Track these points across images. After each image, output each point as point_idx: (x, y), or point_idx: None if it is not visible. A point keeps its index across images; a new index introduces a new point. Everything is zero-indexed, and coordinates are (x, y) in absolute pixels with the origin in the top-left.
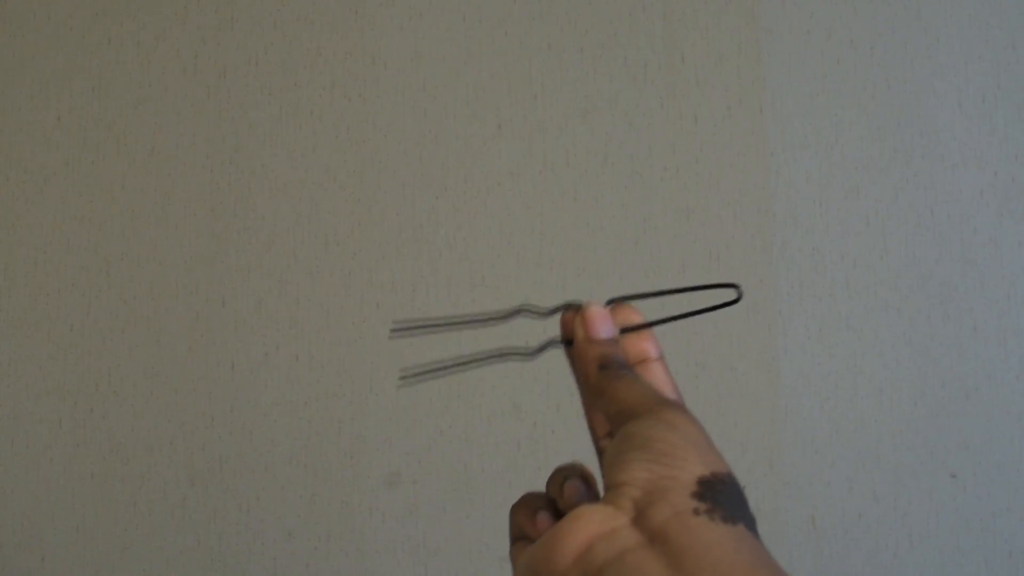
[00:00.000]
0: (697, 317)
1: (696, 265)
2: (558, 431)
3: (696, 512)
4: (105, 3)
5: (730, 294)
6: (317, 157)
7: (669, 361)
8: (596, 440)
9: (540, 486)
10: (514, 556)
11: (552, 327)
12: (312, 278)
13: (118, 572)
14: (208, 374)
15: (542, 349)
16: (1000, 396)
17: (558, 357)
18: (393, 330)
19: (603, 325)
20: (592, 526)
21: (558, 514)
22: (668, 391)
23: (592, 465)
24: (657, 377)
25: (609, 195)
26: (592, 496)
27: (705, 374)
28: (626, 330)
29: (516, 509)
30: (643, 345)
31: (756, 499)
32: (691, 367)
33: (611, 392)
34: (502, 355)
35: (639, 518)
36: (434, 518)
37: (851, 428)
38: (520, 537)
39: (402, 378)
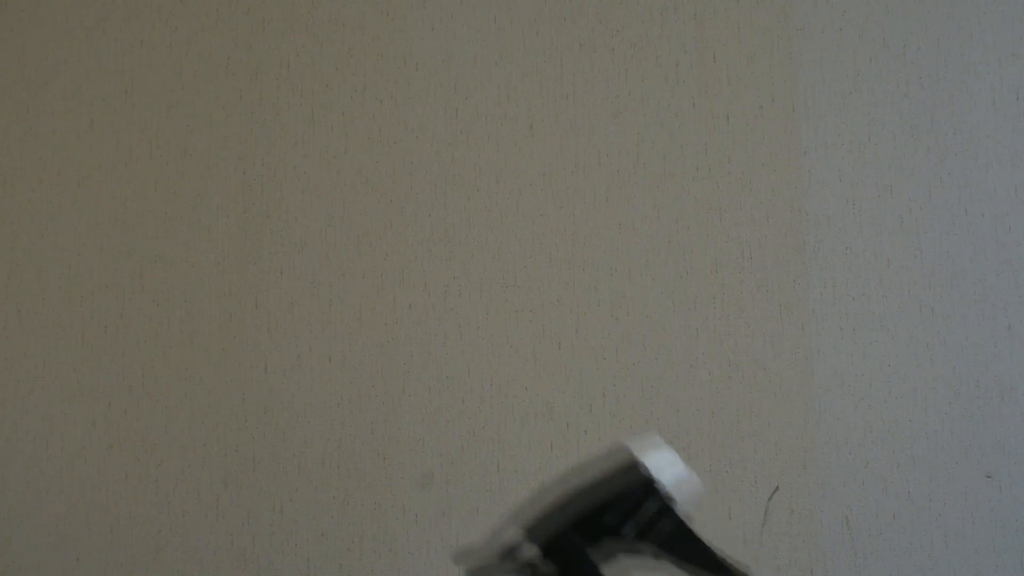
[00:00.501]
0: (732, 318)
1: (729, 264)
2: (591, 432)
3: None
4: (138, 7)
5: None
6: (349, 159)
7: (702, 362)
8: None
9: None
10: None
11: None
12: (344, 279)
13: (152, 572)
14: (241, 376)
15: None
16: None
17: (589, 355)
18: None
19: None
20: None
21: None
22: None
23: None
24: None
25: (641, 195)
26: None
27: (738, 374)
28: None
29: None
30: None
31: (790, 500)
32: (724, 367)
33: None
34: None
35: None
36: (467, 519)
37: (885, 428)
38: None
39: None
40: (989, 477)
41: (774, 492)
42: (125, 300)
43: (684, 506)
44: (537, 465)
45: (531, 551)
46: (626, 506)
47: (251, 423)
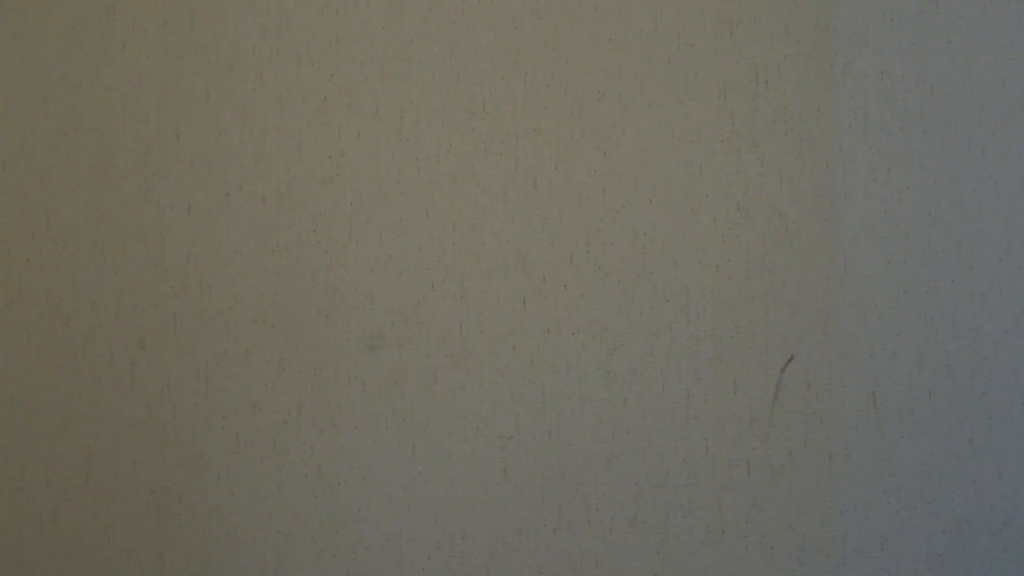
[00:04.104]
0: (743, 154)
1: (740, 89)
2: (571, 286)
3: None
4: None
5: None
6: None
7: (705, 205)
8: None
9: (549, 350)
10: None
11: None
12: (281, 104)
13: (59, 446)
14: (160, 218)
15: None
16: None
17: (571, 195)
18: None
19: None
20: None
21: None
22: None
23: None
24: None
25: (637, 4)
26: None
27: (748, 221)
28: None
29: None
30: None
31: (807, 372)
32: (732, 211)
33: None
34: None
35: None
36: (423, 388)
37: (922, 289)
38: None
39: None
40: None
41: (788, 362)
42: (26, 131)
43: None
44: (507, 325)
45: None
46: None
47: (172, 274)
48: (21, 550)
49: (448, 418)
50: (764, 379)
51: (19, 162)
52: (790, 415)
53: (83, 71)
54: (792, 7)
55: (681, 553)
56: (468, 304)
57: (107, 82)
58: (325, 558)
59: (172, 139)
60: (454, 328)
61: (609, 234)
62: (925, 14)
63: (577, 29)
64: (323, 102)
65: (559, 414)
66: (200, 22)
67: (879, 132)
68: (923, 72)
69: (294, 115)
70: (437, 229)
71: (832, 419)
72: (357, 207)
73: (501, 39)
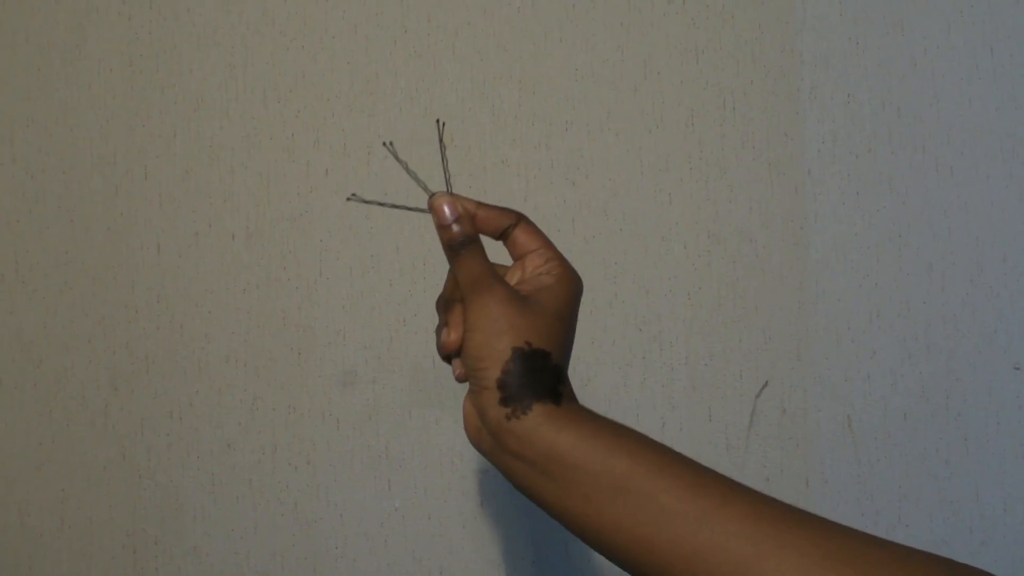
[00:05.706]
0: (712, 180)
1: (707, 116)
2: None
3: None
4: None
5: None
6: None
7: (675, 233)
8: None
9: None
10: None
11: None
12: (249, 141)
13: (33, 491)
14: (130, 259)
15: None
16: None
17: (541, 226)
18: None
19: (447, 211)
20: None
21: None
22: (531, 249)
23: None
24: (518, 243)
25: (602, 33)
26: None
27: (719, 247)
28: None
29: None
30: (498, 222)
31: (782, 397)
32: (702, 239)
33: (455, 273)
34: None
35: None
36: (397, 424)
37: (895, 311)
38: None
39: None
40: (1018, 369)
41: (763, 388)
42: None
43: None
44: None
45: None
46: None
47: (143, 315)
48: None
49: (423, 453)
50: (739, 406)
51: None
52: (766, 441)
53: (49, 113)
54: (758, 33)
55: None
56: None
57: (73, 122)
58: None
59: (140, 179)
60: (427, 363)
61: (580, 265)
62: (890, 36)
63: (543, 59)
64: (290, 139)
65: None
66: (166, 61)
67: (847, 155)
68: (890, 94)
69: (261, 152)
70: (408, 263)
71: (808, 444)
72: (327, 243)
73: (467, 71)
